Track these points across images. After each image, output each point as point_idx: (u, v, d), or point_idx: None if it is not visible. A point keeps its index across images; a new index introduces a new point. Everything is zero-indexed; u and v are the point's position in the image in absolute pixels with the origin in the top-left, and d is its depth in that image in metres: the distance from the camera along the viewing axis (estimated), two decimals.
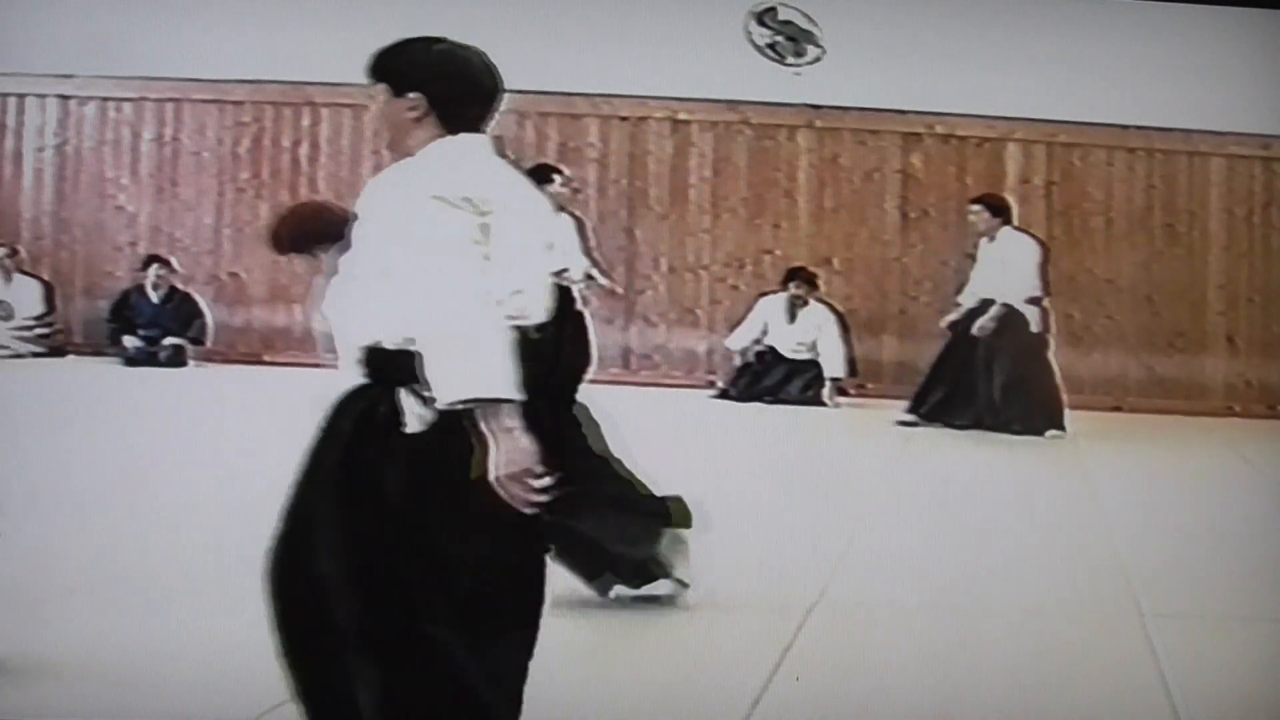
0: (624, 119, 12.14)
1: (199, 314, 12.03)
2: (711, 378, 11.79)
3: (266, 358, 12.06)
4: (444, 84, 3.23)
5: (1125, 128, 11.90)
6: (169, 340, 11.87)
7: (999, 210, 10.37)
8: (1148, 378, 11.87)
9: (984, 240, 10.40)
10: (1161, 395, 11.82)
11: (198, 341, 11.98)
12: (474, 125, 3.25)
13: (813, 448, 9.46)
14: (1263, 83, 11.30)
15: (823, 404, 11.32)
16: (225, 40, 11.88)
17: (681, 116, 12.13)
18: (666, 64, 11.84)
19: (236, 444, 7.59)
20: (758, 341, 11.56)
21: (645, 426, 9.66)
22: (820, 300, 11.59)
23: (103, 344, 12.07)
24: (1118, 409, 11.23)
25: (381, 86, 3.24)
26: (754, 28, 11.87)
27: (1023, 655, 4.92)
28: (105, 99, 12.36)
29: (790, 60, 11.90)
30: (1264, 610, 5.57)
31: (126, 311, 12.03)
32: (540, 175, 10.08)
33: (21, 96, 12.38)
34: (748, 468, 8.64)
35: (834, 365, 11.45)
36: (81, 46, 11.94)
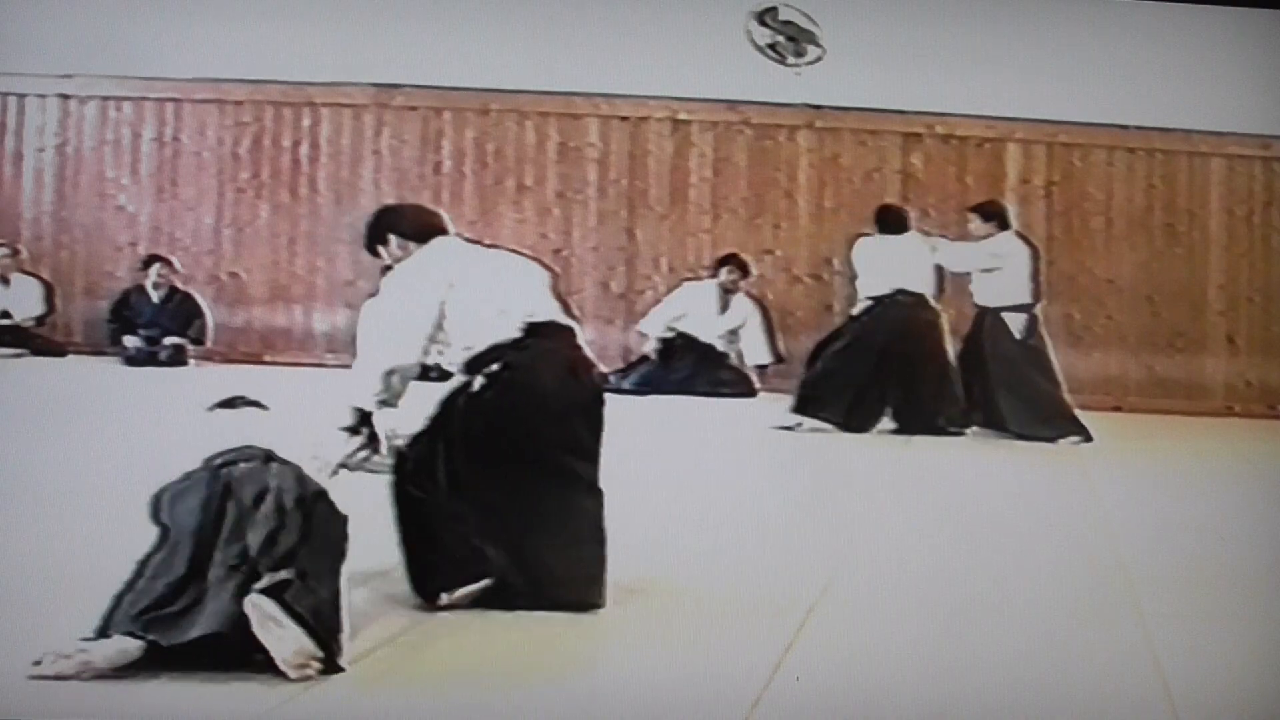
0: (624, 119, 12.14)
1: (199, 314, 12.03)
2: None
3: (267, 357, 12.06)
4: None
5: (1125, 128, 11.90)
6: (169, 340, 11.87)
7: (990, 215, 10.12)
8: (1148, 378, 11.86)
9: None
10: (1161, 395, 11.81)
11: (198, 341, 11.98)
12: None
13: (813, 446, 9.46)
14: (1263, 83, 11.31)
15: (751, 394, 11.24)
16: (225, 40, 11.88)
17: (681, 116, 12.13)
18: (666, 64, 11.83)
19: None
20: (670, 329, 11.54)
21: (645, 427, 9.69)
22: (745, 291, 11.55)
23: (103, 344, 12.07)
24: (1118, 409, 11.23)
25: None
26: (754, 28, 11.88)
27: (1023, 655, 4.92)
28: (105, 99, 12.36)
29: (790, 60, 11.91)
30: (1264, 610, 5.57)
31: (126, 311, 12.03)
32: (899, 221, 10.27)
33: (21, 96, 12.38)
34: (748, 467, 8.65)
35: (760, 353, 11.43)
36: (81, 46, 11.94)
